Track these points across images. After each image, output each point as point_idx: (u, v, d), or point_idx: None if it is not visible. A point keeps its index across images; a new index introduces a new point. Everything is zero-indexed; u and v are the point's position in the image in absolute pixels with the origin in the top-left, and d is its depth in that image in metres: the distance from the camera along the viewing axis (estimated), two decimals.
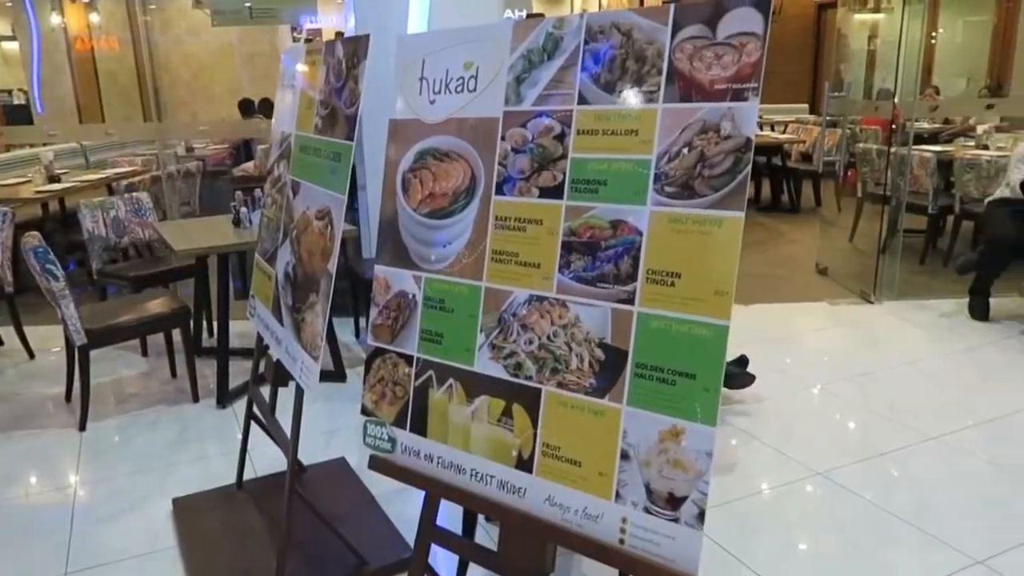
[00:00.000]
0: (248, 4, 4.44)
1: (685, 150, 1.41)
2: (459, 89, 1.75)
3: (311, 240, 2.03)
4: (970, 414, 3.30)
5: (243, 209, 3.73)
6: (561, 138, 1.57)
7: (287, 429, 2.23)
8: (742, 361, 3.59)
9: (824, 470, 2.88)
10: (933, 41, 9.87)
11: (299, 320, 2.06)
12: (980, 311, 4.50)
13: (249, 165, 7.08)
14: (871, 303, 4.92)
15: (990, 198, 4.72)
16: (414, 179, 1.81)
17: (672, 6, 1.44)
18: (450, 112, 1.76)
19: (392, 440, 1.83)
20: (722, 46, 1.38)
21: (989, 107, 5.86)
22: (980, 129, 6.86)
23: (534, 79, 1.62)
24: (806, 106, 11.53)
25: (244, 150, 8.13)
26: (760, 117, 9.72)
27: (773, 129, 9.73)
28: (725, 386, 3.48)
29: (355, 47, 1.95)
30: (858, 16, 9.68)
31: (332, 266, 1.89)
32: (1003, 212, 4.46)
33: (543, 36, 1.61)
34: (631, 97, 1.48)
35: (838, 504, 2.66)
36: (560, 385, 1.56)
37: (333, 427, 3.31)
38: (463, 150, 1.73)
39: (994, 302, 4.54)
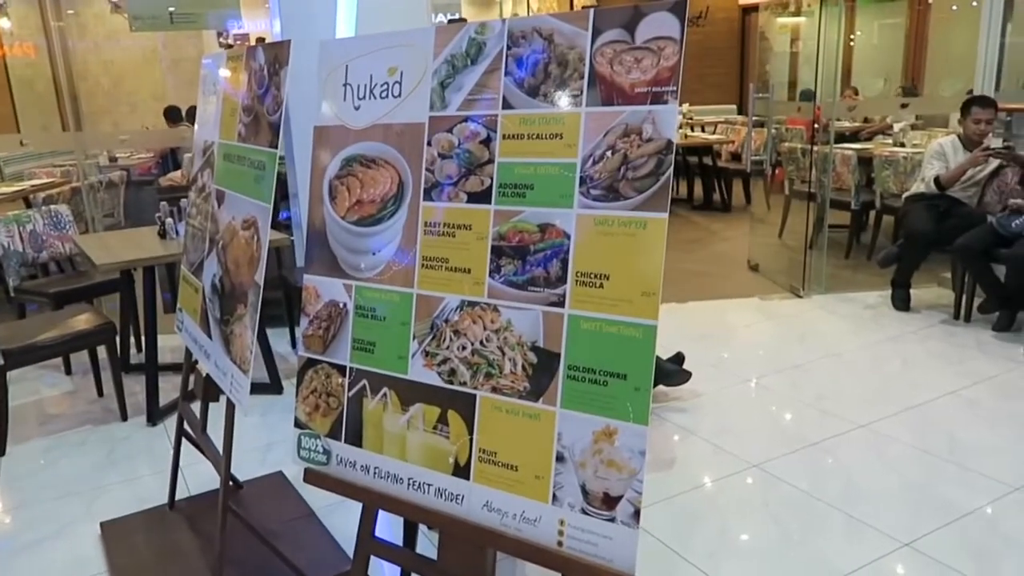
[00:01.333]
0: (169, 9, 4.32)
1: (609, 153, 1.42)
2: (384, 95, 1.73)
3: (238, 250, 1.98)
4: (894, 402, 3.43)
5: (168, 220, 3.63)
6: (487, 143, 1.57)
7: (220, 445, 2.17)
8: (678, 358, 3.65)
9: (759, 462, 2.95)
10: (852, 43, 10.24)
11: (227, 333, 2.01)
12: (902, 302, 4.68)
13: (176, 174, 6.88)
14: (800, 297, 5.07)
15: (907, 193, 4.92)
16: (341, 186, 1.78)
17: (591, 11, 1.46)
18: (375, 118, 1.74)
19: (327, 452, 1.80)
20: (641, 50, 1.40)
21: (904, 106, 6.11)
22: (897, 127, 7.14)
23: (458, 84, 1.62)
24: (734, 106, 11.82)
25: (171, 159, 7.89)
26: (691, 118, 9.92)
27: (703, 130, 9.94)
28: (663, 384, 3.54)
29: (276, 53, 1.91)
30: (780, 19, 9.98)
31: (260, 276, 1.85)
32: (919, 206, 4.65)
33: (466, 41, 1.61)
34: (555, 101, 1.49)
35: (773, 495, 2.73)
36: (494, 390, 1.55)
37: (270, 440, 3.24)
38: (390, 156, 1.71)
39: (915, 293, 4.73)
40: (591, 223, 1.44)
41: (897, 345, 4.13)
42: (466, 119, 1.60)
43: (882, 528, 2.49)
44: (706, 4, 11.84)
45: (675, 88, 1.37)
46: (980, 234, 4.25)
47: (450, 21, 2.12)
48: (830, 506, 2.64)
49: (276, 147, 1.89)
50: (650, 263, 1.38)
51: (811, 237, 5.23)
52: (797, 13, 9.61)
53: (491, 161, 1.56)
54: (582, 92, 1.46)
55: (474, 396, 1.58)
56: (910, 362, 3.90)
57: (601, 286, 1.43)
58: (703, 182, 8.67)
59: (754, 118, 6.05)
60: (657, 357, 3.49)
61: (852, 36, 10.27)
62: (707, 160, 8.48)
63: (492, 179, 1.56)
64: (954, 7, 9.35)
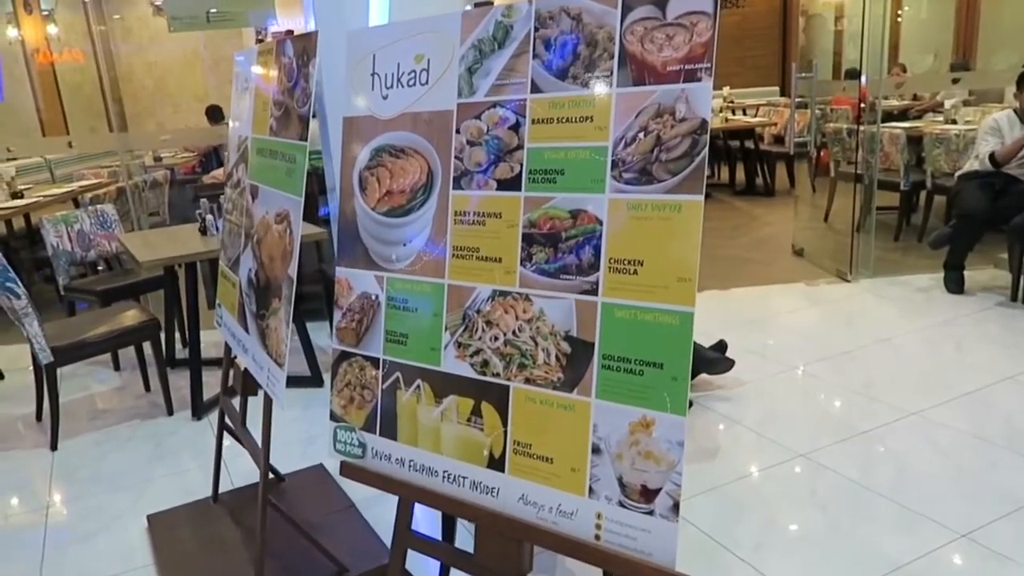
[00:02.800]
0: (207, 9, 4.37)
1: (641, 135, 1.38)
2: (411, 83, 1.70)
3: (271, 244, 1.98)
4: (948, 388, 3.31)
5: (209, 217, 3.67)
6: (516, 128, 1.53)
7: (259, 439, 2.18)
8: (721, 346, 3.58)
9: (806, 451, 2.87)
10: (899, 19, 9.91)
11: (263, 327, 2.02)
12: (955, 284, 4.52)
13: (219, 172, 6.98)
14: (848, 282, 4.93)
15: (960, 172, 4.74)
16: (371, 177, 1.76)
17: None
18: (404, 107, 1.71)
19: (363, 445, 1.79)
20: (672, 26, 1.34)
21: (955, 81, 5.89)
22: (948, 104, 6.90)
23: (486, 69, 1.58)
24: (776, 88, 11.56)
25: (215, 157, 8.02)
26: (731, 101, 9.72)
27: (745, 113, 9.74)
28: (705, 372, 3.47)
29: (304, 45, 1.90)
30: None
31: (293, 270, 1.84)
32: (973, 185, 4.48)
33: (492, 25, 1.57)
34: (585, 83, 1.45)
35: (821, 484, 2.65)
36: (528, 381, 1.52)
37: (312, 434, 3.26)
38: (419, 145, 1.69)
39: (969, 275, 4.56)
40: (624, 208, 1.39)
41: (950, 329, 3.99)
42: (494, 104, 1.57)
43: (937, 518, 2.40)
44: None
45: (709, 65, 1.31)
46: None
47: (476, 5, 2.09)
48: (882, 496, 2.55)
49: (306, 139, 1.88)
50: (686, 248, 1.34)
51: (859, 220, 5.08)
52: None
53: (520, 147, 1.53)
54: (612, 72, 1.41)
55: (508, 387, 1.55)
56: (964, 347, 3.76)
57: (635, 273, 1.39)
58: (745, 166, 8.49)
59: (797, 99, 5.89)
60: (699, 345, 3.44)
61: (899, 11, 9.94)
62: (749, 144, 8.31)
63: (522, 165, 1.52)
64: None
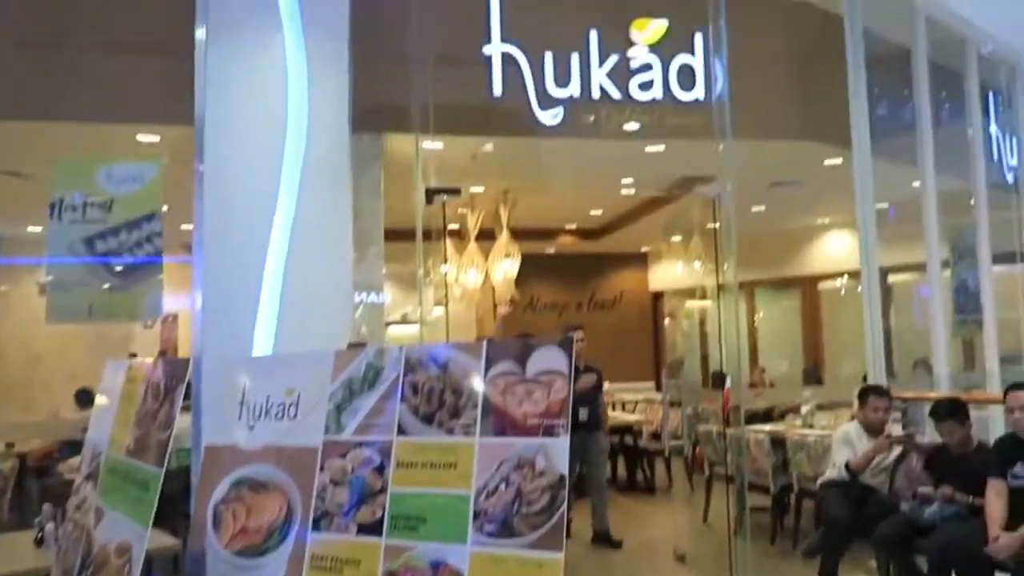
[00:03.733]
0: (90, 303, 4.36)
1: (503, 485, 1.40)
2: (279, 416, 1.70)
3: None
4: None
5: (49, 525, 3.32)
6: (380, 470, 1.53)
7: None
8: None
9: None
10: (755, 325, 11.01)
11: None
12: None
13: (76, 460, 6.49)
14: None
15: (821, 479, 4.97)
16: (227, 512, 1.68)
17: (484, 343, 1.51)
18: (269, 439, 1.69)
19: None
20: (532, 383, 1.43)
21: (806, 391, 6.41)
22: (804, 409, 7.45)
23: (355, 408, 1.61)
24: (652, 383, 12.24)
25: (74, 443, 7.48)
26: (611, 396, 10.18)
27: (624, 408, 10.15)
28: None
29: (175, 369, 1.89)
30: (687, 303, 10.79)
31: None
32: (834, 493, 4.68)
33: (364, 366, 1.63)
34: (450, 429, 1.48)
35: None
36: None
37: None
38: (281, 481, 1.64)
39: None
40: (486, 561, 1.37)
41: None
42: (360, 444, 1.57)
43: None
44: (620, 290, 12.74)
45: (565, 422, 1.38)
46: (896, 523, 4.25)
47: (350, 346, 2.18)
48: None
49: (162, 466, 1.80)
50: None
51: (735, 522, 5.15)
52: (703, 297, 10.45)
53: (384, 490, 1.51)
54: (476, 421, 1.46)
55: None
56: None
57: None
58: (626, 462, 8.65)
59: (669, 397, 6.23)
60: None
61: (755, 318, 11.07)
62: (628, 440, 8.55)
63: (384, 510, 1.49)
64: (841, 291, 10.28)
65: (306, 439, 1.64)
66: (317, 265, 3.61)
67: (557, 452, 1.37)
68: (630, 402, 10.45)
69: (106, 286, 3.77)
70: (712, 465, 6.34)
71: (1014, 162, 7.30)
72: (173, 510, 4.37)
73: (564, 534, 1.33)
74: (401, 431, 1.53)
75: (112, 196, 3.80)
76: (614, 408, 9.85)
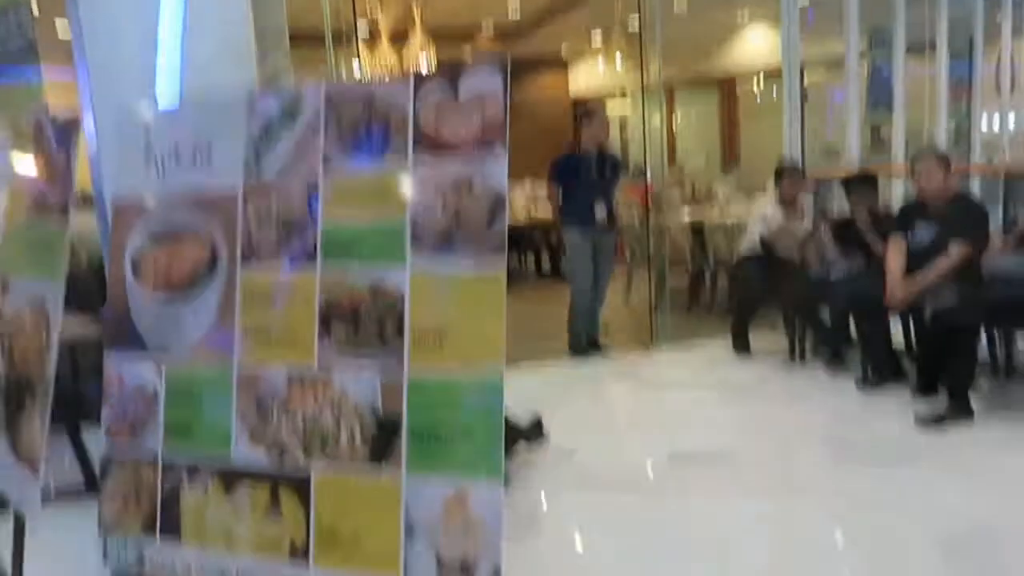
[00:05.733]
0: None
1: (440, 208, 1.38)
2: (194, 163, 1.61)
3: (25, 340, 1.74)
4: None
5: None
6: (310, 207, 1.48)
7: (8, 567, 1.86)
8: (535, 419, 3.60)
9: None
10: (673, 127, 11.02)
11: (14, 433, 1.75)
12: (743, 348, 4.96)
13: None
14: (649, 352, 5.25)
15: (738, 254, 5.24)
16: (147, 260, 1.62)
17: (412, 72, 1.43)
18: (183, 187, 1.61)
19: (140, 555, 1.58)
20: (465, 104, 1.38)
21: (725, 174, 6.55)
22: (721, 195, 7.70)
23: (275, 148, 1.53)
24: None
25: None
26: (536, 195, 10.22)
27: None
28: (522, 442, 3.45)
29: (67, 129, 1.74)
30: (609, 102, 10.66)
31: (50, 363, 1.62)
32: (749, 264, 4.99)
33: (280, 106, 1.53)
34: (379, 159, 1.43)
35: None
36: (331, 464, 1.42)
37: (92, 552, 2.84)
38: (199, 226, 1.58)
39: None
40: (426, 280, 1.38)
41: (740, 386, 4.33)
42: (284, 184, 1.51)
43: None
44: (540, 95, 12.35)
45: (502, 141, 1.35)
46: (804, 283, 4.58)
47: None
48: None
49: (66, 226, 1.69)
50: (491, 319, 1.33)
51: (655, 298, 5.45)
52: (624, 96, 10.31)
53: (315, 225, 1.47)
54: (407, 147, 1.41)
55: (308, 473, 1.44)
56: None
57: (440, 345, 1.36)
58: (550, 255, 8.88)
59: None
60: (515, 417, 3.43)
61: (673, 120, 11.05)
62: (553, 236, 8.71)
63: (316, 242, 1.47)
64: (758, 99, 10.28)
65: (223, 185, 1.56)
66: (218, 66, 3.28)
67: (495, 171, 1.35)
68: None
69: None
70: (633, 253, 6.57)
71: None
72: (97, 302, 4.28)
73: (505, 250, 1.33)
74: (327, 165, 1.47)
75: None
76: (537, 208, 9.95)
